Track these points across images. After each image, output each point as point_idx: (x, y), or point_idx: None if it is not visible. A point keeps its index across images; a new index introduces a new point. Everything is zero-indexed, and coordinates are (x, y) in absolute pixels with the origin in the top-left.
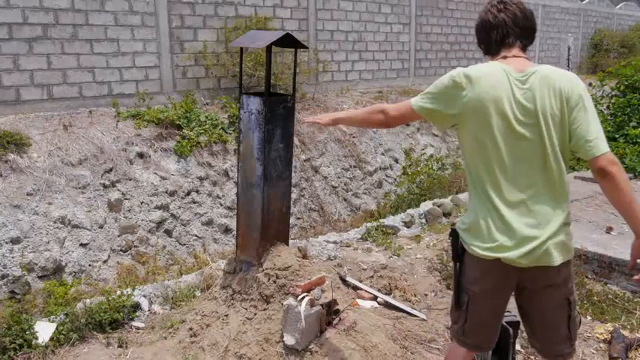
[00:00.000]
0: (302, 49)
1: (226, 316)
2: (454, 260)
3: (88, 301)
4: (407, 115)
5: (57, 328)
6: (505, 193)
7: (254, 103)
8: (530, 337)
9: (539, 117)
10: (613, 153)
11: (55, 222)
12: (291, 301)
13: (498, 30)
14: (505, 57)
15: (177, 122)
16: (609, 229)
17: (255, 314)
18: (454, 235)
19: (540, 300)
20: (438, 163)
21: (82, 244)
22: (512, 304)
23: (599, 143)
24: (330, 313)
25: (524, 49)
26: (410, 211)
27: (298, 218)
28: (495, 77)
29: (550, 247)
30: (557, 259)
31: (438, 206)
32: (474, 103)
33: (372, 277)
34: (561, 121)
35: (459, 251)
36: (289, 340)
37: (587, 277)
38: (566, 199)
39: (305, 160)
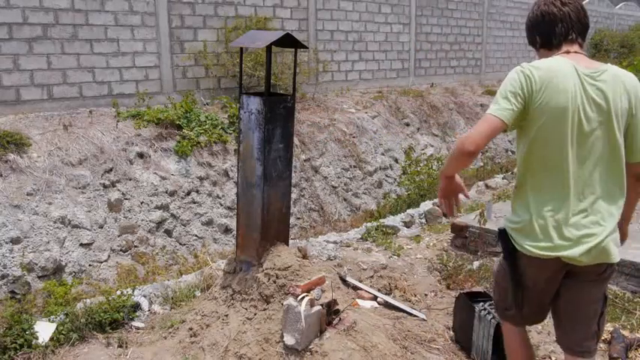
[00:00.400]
0: (302, 49)
1: (226, 316)
2: (506, 259)
3: (88, 301)
4: (494, 129)
5: (57, 328)
6: (567, 190)
7: (254, 103)
8: (558, 331)
9: (612, 114)
10: None
11: (55, 222)
12: (291, 301)
13: (563, 23)
14: (568, 52)
15: (177, 122)
16: None
17: (255, 314)
18: (503, 235)
19: (581, 294)
20: (438, 163)
21: (82, 244)
22: None
23: None
24: (330, 313)
25: (582, 46)
26: (410, 211)
27: (298, 218)
28: (565, 72)
29: (609, 245)
30: (615, 256)
31: (438, 206)
32: (546, 98)
33: (372, 277)
34: (626, 120)
35: (510, 250)
36: (289, 340)
37: None
38: (623, 196)
39: (305, 160)
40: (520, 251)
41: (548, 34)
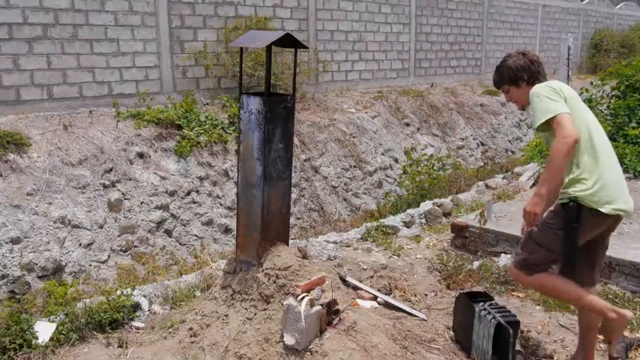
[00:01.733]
0: (302, 49)
1: (226, 316)
2: (565, 229)
3: (88, 301)
4: (569, 119)
5: (57, 328)
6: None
7: (254, 103)
8: (589, 274)
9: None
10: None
11: (55, 222)
12: (291, 301)
13: (534, 65)
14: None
15: (177, 122)
16: None
17: (255, 314)
18: (572, 204)
19: (605, 241)
20: (438, 163)
21: (82, 244)
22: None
23: None
24: (330, 313)
25: None
26: (410, 211)
27: (298, 218)
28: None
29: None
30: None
31: (438, 206)
32: (570, 103)
33: (372, 277)
34: None
35: (575, 218)
36: (289, 340)
37: None
38: None
39: (305, 160)
40: (587, 214)
41: (530, 73)
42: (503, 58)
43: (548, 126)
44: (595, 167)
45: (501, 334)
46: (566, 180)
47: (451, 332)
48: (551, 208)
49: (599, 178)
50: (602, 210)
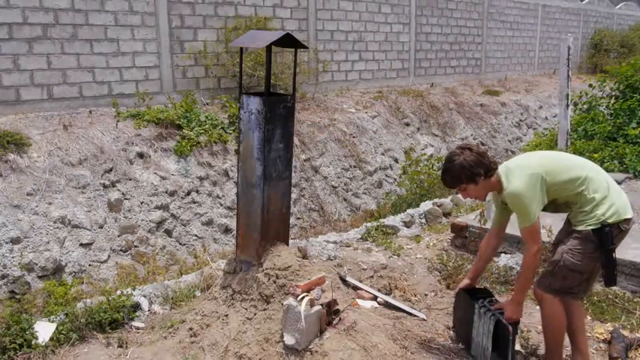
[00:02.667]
0: (302, 49)
1: (226, 316)
2: (607, 250)
3: (88, 301)
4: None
5: (57, 328)
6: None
7: (254, 103)
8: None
9: None
10: (613, 153)
11: (55, 222)
12: (291, 301)
13: (485, 158)
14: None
15: (178, 122)
16: None
17: (255, 314)
18: (607, 229)
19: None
20: (438, 163)
21: (82, 244)
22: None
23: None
24: (330, 313)
25: None
26: (410, 211)
27: (298, 218)
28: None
29: None
30: None
31: (438, 206)
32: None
33: (372, 277)
34: None
35: (611, 239)
36: (289, 340)
37: None
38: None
39: (305, 160)
40: (616, 231)
41: (491, 164)
42: (447, 158)
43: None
44: (602, 187)
45: (501, 332)
46: (588, 207)
47: (451, 332)
48: (576, 235)
49: (610, 194)
50: (627, 217)
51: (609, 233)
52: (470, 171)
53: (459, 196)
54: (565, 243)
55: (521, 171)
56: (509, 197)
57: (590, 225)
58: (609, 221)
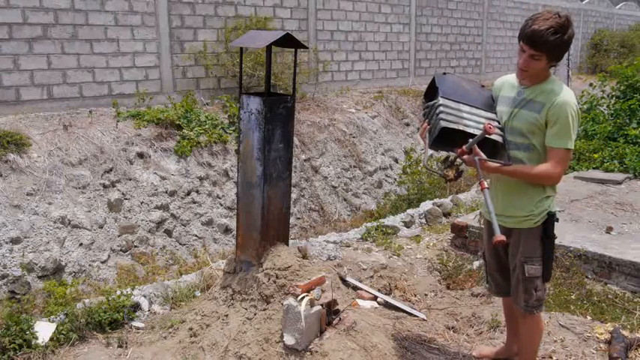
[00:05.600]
0: (302, 49)
1: (226, 316)
2: (552, 240)
3: (87, 301)
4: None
5: (57, 328)
6: None
7: (254, 103)
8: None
9: None
10: (613, 153)
11: (55, 222)
12: (291, 301)
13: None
14: None
15: (177, 122)
16: (609, 229)
17: (255, 314)
18: (550, 219)
19: None
20: (437, 162)
21: (82, 244)
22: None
23: None
24: (330, 313)
25: None
26: (410, 211)
27: (298, 218)
28: None
29: None
30: None
31: (438, 206)
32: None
33: (372, 277)
34: None
35: (552, 228)
36: (289, 340)
37: (587, 277)
38: None
39: (305, 160)
40: (554, 217)
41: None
42: (560, 16)
43: (534, 139)
44: None
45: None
46: (539, 197)
47: (451, 332)
48: (525, 238)
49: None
50: (556, 209)
51: (553, 223)
52: (564, 49)
53: (459, 195)
54: (515, 254)
55: (572, 95)
56: (560, 107)
57: (538, 221)
58: (553, 210)
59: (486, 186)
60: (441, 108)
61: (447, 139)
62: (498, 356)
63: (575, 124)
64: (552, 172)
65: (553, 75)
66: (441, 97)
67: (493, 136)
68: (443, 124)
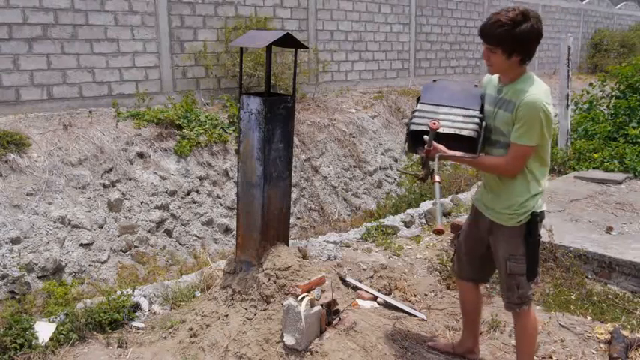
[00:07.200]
0: (302, 49)
1: (226, 316)
2: (537, 240)
3: (88, 301)
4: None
5: (57, 328)
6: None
7: (254, 103)
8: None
9: None
10: (613, 153)
11: (55, 222)
12: (291, 301)
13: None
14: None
15: (178, 122)
16: (609, 229)
17: (255, 314)
18: (533, 220)
19: None
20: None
21: (82, 244)
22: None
23: None
24: (330, 313)
25: None
26: (410, 211)
27: (298, 218)
28: None
29: None
30: None
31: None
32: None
33: (372, 277)
34: None
35: (537, 226)
36: (289, 340)
37: (587, 277)
38: None
39: (305, 160)
40: (539, 217)
41: (532, 52)
42: (515, 10)
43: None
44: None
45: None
46: (524, 197)
47: (451, 332)
48: (508, 236)
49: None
50: (543, 209)
51: (538, 223)
52: (520, 43)
53: (459, 195)
54: (498, 250)
55: (547, 94)
56: (525, 106)
57: (521, 220)
58: (538, 211)
59: (437, 180)
60: (416, 113)
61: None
62: (455, 350)
63: (541, 123)
64: (504, 166)
65: (529, 72)
66: (420, 103)
67: (464, 132)
68: (412, 127)
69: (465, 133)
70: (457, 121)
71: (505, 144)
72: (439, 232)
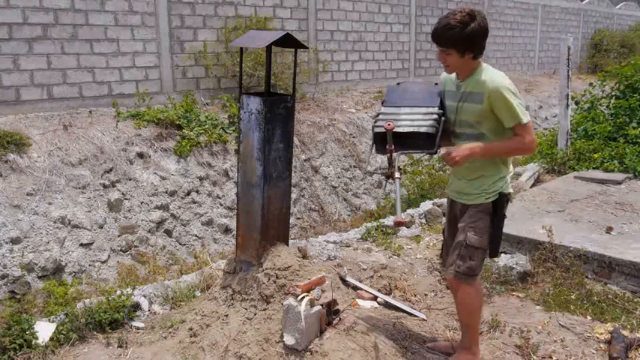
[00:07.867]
0: (302, 49)
1: (226, 316)
2: (501, 219)
3: (87, 301)
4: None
5: (57, 328)
6: None
7: (254, 103)
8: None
9: None
10: (613, 153)
11: (55, 222)
12: (291, 301)
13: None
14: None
15: (178, 122)
16: (609, 229)
17: (255, 314)
18: (506, 199)
19: None
20: (438, 162)
21: (82, 244)
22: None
23: None
24: (330, 313)
25: None
26: (410, 211)
27: (298, 218)
28: None
29: None
30: None
31: (438, 206)
32: None
33: (372, 277)
34: None
35: (502, 204)
36: (289, 340)
37: (587, 277)
38: None
39: (305, 160)
40: (505, 198)
41: (481, 47)
42: (462, 12)
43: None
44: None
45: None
46: (494, 179)
47: (451, 332)
48: (475, 210)
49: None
50: (510, 191)
51: (505, 203)
52: (473, 42)
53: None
54: (461, 221)
55: (504, 77)
56: (496, 93)
57: (489, 197)
58: (506, 192)
59: (397, 176)
60: (380, 116)
61: (398, 143)
62: (455, 350)
63: (516, 99)
64: (528, 144)
65: (482, 64)
66: (383, 106)
67: (422, 129)
68: (375, 130)
69: (423, 129)
70: (417, 120)
71: (472, 135)
72: (400, 224)
